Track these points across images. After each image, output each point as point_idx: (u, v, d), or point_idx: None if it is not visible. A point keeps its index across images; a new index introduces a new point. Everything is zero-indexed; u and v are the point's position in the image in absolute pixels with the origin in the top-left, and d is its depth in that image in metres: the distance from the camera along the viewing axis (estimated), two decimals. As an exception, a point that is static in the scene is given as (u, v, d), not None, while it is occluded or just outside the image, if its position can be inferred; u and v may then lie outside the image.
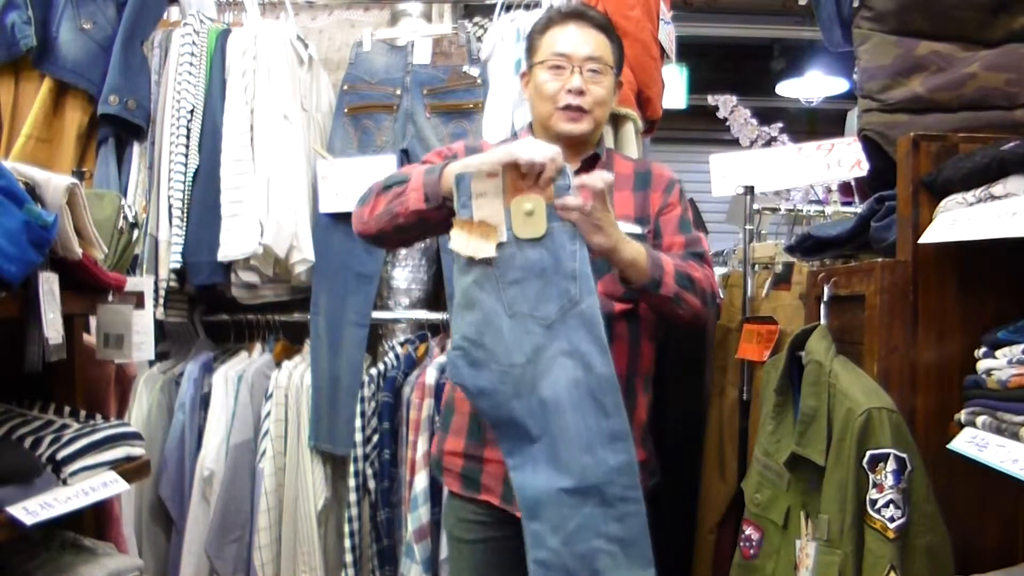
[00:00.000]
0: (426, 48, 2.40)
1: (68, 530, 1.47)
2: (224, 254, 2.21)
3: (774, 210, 2.26)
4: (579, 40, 1.59)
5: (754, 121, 2.79)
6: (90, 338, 1.69)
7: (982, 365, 1.19)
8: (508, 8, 2.39)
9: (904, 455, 1.17)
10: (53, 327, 1.26)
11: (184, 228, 2.24)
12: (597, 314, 1.37)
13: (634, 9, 2.06)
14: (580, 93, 1.56)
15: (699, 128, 5.01)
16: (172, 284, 2.25)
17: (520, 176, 1.36)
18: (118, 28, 2.24)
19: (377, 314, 2.40)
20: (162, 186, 2.25)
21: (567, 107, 1.57)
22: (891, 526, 1.15)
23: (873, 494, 1.17)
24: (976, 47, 1.53)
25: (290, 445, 2.30)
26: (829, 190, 2.40)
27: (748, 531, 1.49)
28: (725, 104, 2.88)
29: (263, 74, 2.29)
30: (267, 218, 2.22)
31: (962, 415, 1.21)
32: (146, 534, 2.31)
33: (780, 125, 2.72)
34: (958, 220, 1.20)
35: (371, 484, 2.22)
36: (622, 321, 1.57)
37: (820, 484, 1.29)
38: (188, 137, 2.26)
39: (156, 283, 2.21)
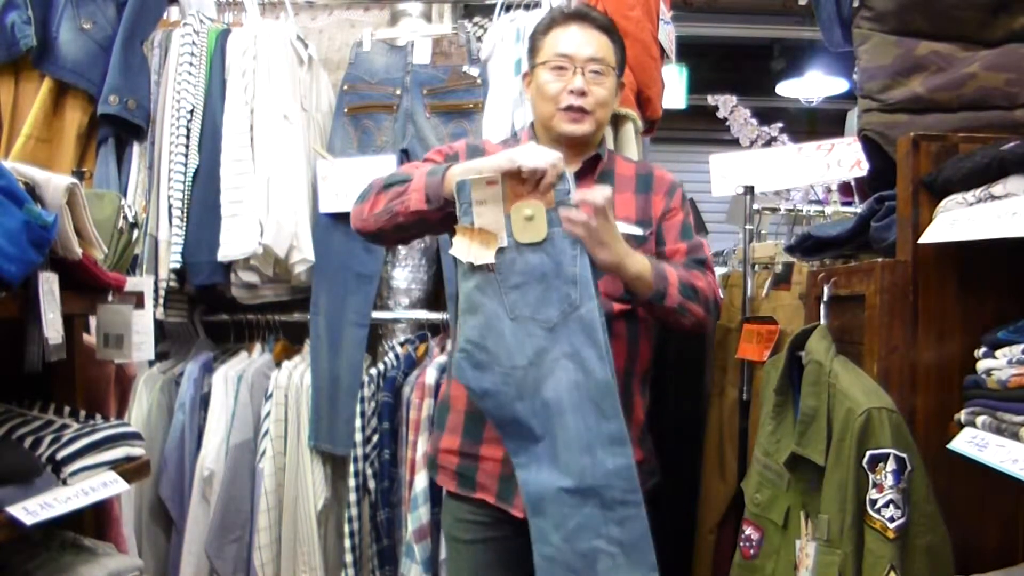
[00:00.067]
0: (426, 48, 2.40)
1: (68, 530, 1.47)
2: (224, 254, 2.21)
3: (774, 210, 2.26)
4: (581, 41, 1.59)
5: (754, 121, 2.79)
6: (90, 338, 1.69)
7: (982, 365, 1.19)
8: (508, 8, 2.39)
9: (904, 455, 1.17)
10: (53, 327, 1.26)
11: (184, 228, 2.24)
12: (596, 319, 1.39)
13: (634, 9, 2.06)
14: (582, 94, 1.57)
15: (699, 128, 5.01)
16: (172, 284, 2.25)
17: (520, 182, 1.38)
18: (118, 28, 2.24)
19: (377, 314, 2.40)
20: (162, 186, 2.25)
21: (569, 108, 1.57)
22: (891, 526, 1.15)
23: (873, 494, 1.17)
24: (976, 47, 1.53)
25: (290, 445, 2.30)
26: (829, 190, 2.40)
27: (748, 531, 1.49)
28: (725, 104, 2.88)
29: (263, 74, 2.29)
30: (267, 218, 2.22)
31: (962, 415, 1.21)
32: (146, 534, 2.31)
33: (780, 125, 2.72)
34: (958, 220, 1.20)
35: (371, 484, 2.22)
36: (621, 321, 1.57)
37: (820, 484, 1.29)
38: (188, 137, 2.26)
39: (156, 283, 2.21)
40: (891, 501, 1.16)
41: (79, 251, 1.34)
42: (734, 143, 2.84)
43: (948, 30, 1.54)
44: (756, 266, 2.02)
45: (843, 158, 1.94)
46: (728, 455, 1.98)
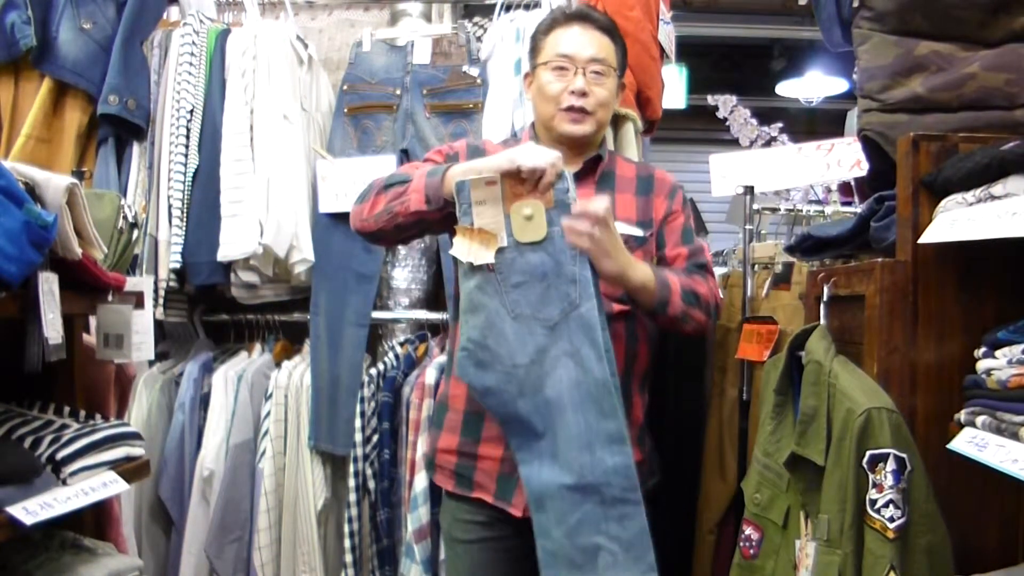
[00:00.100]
0: (426, 48, 2.40)
1: (68, 530, 1.47)
2: (224, 254, 2.21)
3: (774, 210, 2.26)
4: (583, 42, 1.59)
5: (754, 121, 2.80)
6: (90, 338, 1.69)
7: (982, 365, 1.19)
8: (508, 8, 2.39)
9: (904, 455, 1.17)
10: (53, 327, 1.26)
11: (184, 228, 2.23)
12: (596, 318, 1.40)
13: (634, 9, 2.06)
14: (583, 95, 1.57)
15: (699, 128, 5.02)
16: (172, 284, 2.25)
17: (519, 181, 1.39)
18: (118, 28, 2.24)
19: (377, 314, 2.40)
20: (162, 186, 2.25)
21: (570, 108, 1.57)
22: (891, 526, 1.15)
23: (873, 494, 1.17)
24: (976, 47, 1.53)
25: (290, 445, 2.30)
26: (829, 190, 2.40)
27: (748, 531, 1.49)
28: (725, 104, 2.88)
29: (263, 74, 2.29)
30: (267, 218, 2.22)
31: (962, 415, 1.21)
32: (146, 534, 2.31)
33: (780, 125, 2.72)
34: (958, 220, 1.20)
35: (371, 484, 2.22)
36: (620, 322, 1.57)
37: (820, 484, 1.29)
38: (188, 137, 2.25)
39: (156, 283, 2.21)
40: (891, 501, 1.16)
41: (79, 251, 1.34)
42: (734, 143, 2.84)
43: (948, 30, 1.54)
44: (756, 266, 2.02)
45: (843, 158, 1.94)
46: (728, 455, 1.98)
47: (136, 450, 1.49)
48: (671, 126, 4.03)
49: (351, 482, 2.21)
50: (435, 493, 2.04)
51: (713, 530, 2.01)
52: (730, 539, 1.90)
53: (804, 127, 4.66)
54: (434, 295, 2.49)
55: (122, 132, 2.29)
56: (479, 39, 2.46)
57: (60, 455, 1.33)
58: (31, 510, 1.20)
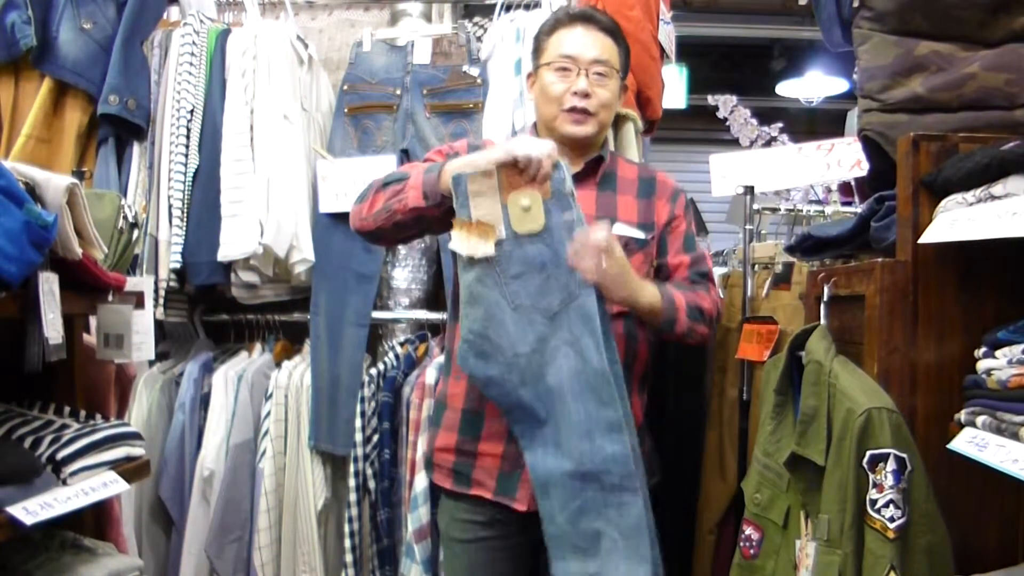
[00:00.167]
0: (426, 48, 2.40)
1: (68, 530, 1.47)
2: (224, 254, 2.21)
3: (774, 210, 2.26)
4: (586, 43, 1.59)
5: (754, 121, 2.79)
6: (90, 338, 1.69)
7: (982, 365, 1.19)
8: (508, 8, 2.38)
9: (904, 455, 1.17)
10: (53, 327, 1.26)
11: (184, 228, 2.23)
12: (594, 308, 1.42)
13: (634, 9, 2.06)
14: (586, 96, 1.57)
15: (699, 128, 5.02)
16: (172, 284, 2.25)
17: (516, 173, 1.39)
18: (118, 28, 2.24)
19: (377, 314, 2.40)
20: (162, 186, 2.25)
21: (572, 109, 1.57)
22: (891, 526, 1.15)
23: (873, 494, 1.17)
24: (976, 47, 1.53)
25: (290, 445, 2.30)
26: (829, 190, 2.40)
27: (748, 531, 1.49)
28: (725, 104, 2.88)
29: (263, 74, 2.29)
30: (267, 218, 2.22)
31: (962, 415, 1.21)
32: (146, 534, 2.31)
33: (780, 125, 2.72)
34: (958, 220, 1.20)
35: (371, 484, 2.21)
36: (619, 322, 1.57)
37: (820, 484, 1.29)
38: (188, 137, 2.25)
39: (156, 283, 2.21)
40: (891, 501, 1.16)
41: (79, 251, 1.34)
42: (734, 143, 2.84)
43: (948, 30, 1.54)
44: (756, 266, 2.02)
45: (843, 158, 1.94)
46: (728, 455, 1.98)
47: (136, 450, 1.49)
48: (671, 126, 4.04)
49: (351, 482, 2.21)
50: (435, 493, 2.04)
51: (713, 530, 2.01)
52: (730, 539, 1.90)
53: (804, 127, 4.65)
54: (434, 295, 2.49)
55: (122, 132, 2.29)
56: (479, 39, 2.46)
57: (60, 455, 1.33)
58: (31, 510, 1.20)
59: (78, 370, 1.59)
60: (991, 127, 1.46)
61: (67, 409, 1.51)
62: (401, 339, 2.44)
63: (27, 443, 1.35)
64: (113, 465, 1.42)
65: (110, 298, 1.53)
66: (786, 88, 5.47)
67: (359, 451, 2.22)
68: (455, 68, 2.36)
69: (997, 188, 1.16)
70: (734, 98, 2.88)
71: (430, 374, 2.14)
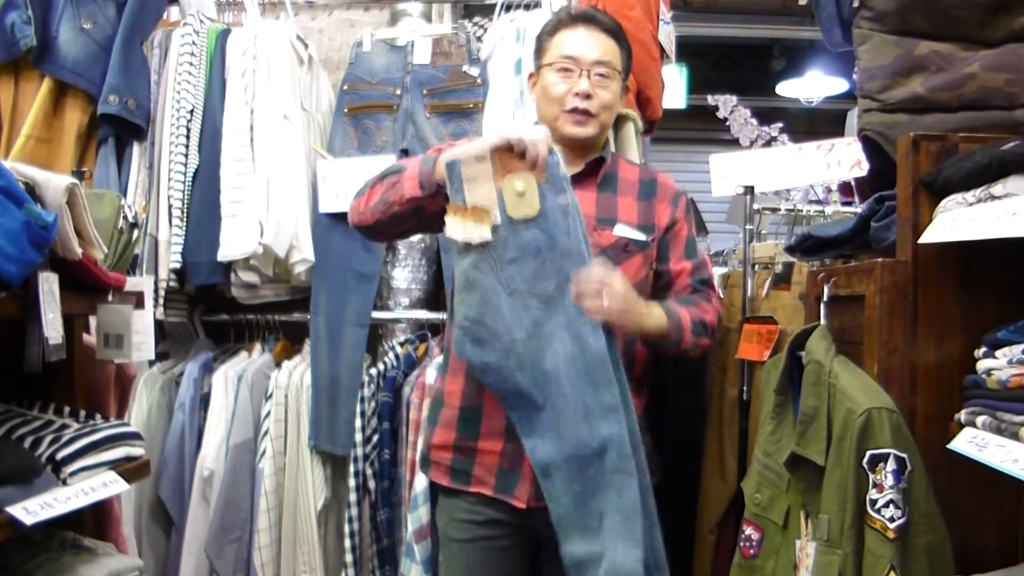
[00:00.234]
0: (426, 48, 2.40)
1: (68, 530, 1.47)
2: (224, 254, 2.21)
3: (774, 210, 2.26)
4: (588, 44, 1.59)
5: (754, 121, 2.79)
6: (90, 338, 1.69)
7: (982, 365, 1.19)
8: (508, 8, 2.38)
9: (904, 455, 1.17)
10: (53, 327, 1.26)
11: (184, 228, 2.23)
12: None
13: (634, 9, 2.06)
14: (587, 97, 1.57)
15: (699, 128, 5.02)
16: (172, 284, 2.25)
17: (510, 157, 1.39)
18: (118, 28, 2.24)
19: (377, 314, 2.40)
20: (162, 186, 2.25)
21: (574, 110, 1.57)
22: (891, 526, 1.15)
23: (873, 494, 1.17)
24: (976, 47, 1.53)
25: (290, 445, 2.30)
26: (829, 190, 2.40)
27: (748, 531, 1.49)
28: (725, 104, 2.88)
29: (263, 74, 2.29)
30: (267, 218, 2.22)
31: (962, 415, 1.21)
32: (146, 534, 2.31)
33: (780, 125, 2.72)
34: (958, 220, 1.20)
35: (371, 484, 2.22)
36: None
37: (820, 484, 1.29)
38: (188, 137, 2.25)
39: (156, 283, 2.21)
40: (891, 501, 1.16)
41: (79, 251, 1.34)
42: (734, 143, 2.84)
43: (948, 30, 1.54)
44: (756, 266, 2.02)
45: (843, 158, 1.94)
46: (728, 455, 1.98)
47: (136, 450, 1.49)
48: (671, 126, 4.04)
49: (351, 482, 2.21)
50: (434, 493, 2.04)
51: (713, 530, 2.01)
52: (730, 539, 1.90)
53: (804, 127, 4.65)
54: (434, 295, 2.49)
55: (122, 132, 2.29)
56: (479, 39, 2.46)
57: (60, 455, 1.33)
58: (31, 510, 1.20)
59: (78, 370, 1.59)
60: (991, 127, 1.46)
61: (67, 409, 1.51)
62: (401, 339, 2.44)
63: (27, 443, 1.35)
64: (113, 465, 1.42)
65: (110, 298, 1.53)
66: (786, 88, 5.47)
67: (359, 451, 2.22)
68: (455, 68, 2.36)
69: (997, 188, 1.16)
70: (734, 98, 2.88)
71: (430, 374, 2.14)
